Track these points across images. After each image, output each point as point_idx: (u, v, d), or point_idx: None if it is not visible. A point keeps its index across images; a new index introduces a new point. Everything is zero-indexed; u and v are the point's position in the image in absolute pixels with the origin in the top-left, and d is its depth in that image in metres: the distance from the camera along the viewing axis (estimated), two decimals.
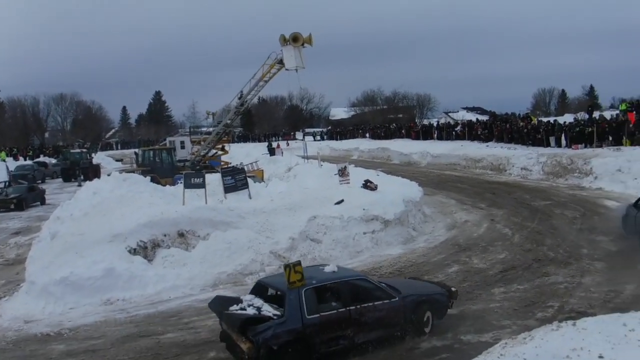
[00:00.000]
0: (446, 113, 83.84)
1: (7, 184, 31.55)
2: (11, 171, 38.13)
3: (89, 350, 9.68)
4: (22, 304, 12.14)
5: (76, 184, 37.16)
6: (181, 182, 16.27)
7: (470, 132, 40.84)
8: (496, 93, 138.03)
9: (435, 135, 46.64)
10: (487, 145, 36.06)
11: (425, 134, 48.54)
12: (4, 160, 46.41)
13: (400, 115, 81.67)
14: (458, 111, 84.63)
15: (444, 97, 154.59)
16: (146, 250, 13.37)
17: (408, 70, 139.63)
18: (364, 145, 53.59)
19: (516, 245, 15.01)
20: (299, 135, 76.57)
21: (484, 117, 53.94)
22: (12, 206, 27.15)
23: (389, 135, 56.01)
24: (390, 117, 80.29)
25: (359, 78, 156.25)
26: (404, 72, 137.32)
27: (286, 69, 29.04)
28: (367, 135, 62.06)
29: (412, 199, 17.86)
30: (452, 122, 54.78)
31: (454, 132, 43.77)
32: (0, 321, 11.51)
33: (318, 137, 71.89)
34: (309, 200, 15.92)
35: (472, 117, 61.82)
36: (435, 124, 51.71)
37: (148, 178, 17.04)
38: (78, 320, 11.18)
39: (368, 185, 17.81)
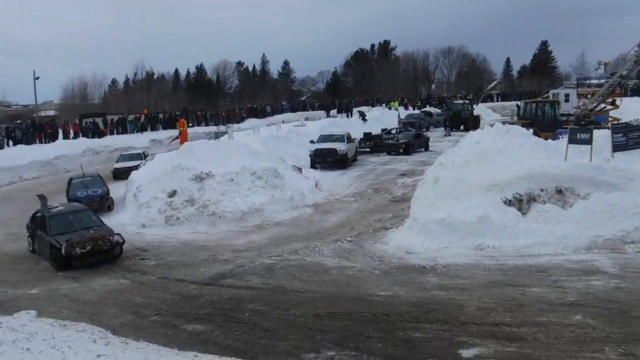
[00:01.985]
0: None
1: (398, 130, 35.42)
2: (402, 119, 42.65)
3: (457, 287, 10.46)
4: (405, 237, 13.89)
5: (444, 134, 39.55)
6: (563, 137, 15.57)
7: None
8: None
9: None
10: None
11: None
12: (396, 109, 52.01)
13: None
14: None
15: None
16: (521, 202, 13.44)
17: None
18: None
19: None
20: None
21: None
22: (401, 150, 30.60)
23: None
24: None
25: None
26: None
27: None
28: None
29: None
30: None
31: None
32: (387, 248, 13.52)
33: None
34: None
35: None
36: None
37: (530, 131, 16.76)
38: (450, 259, 12.18)
39: None
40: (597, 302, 9.30)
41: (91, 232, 13.93)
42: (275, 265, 12.60)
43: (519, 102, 40.10)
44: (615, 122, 24.67)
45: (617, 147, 14.08)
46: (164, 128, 43.42)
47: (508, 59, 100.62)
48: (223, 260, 13.34)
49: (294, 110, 64.34)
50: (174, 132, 35.06)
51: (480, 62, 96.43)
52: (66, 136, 36.96)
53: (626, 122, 19.21)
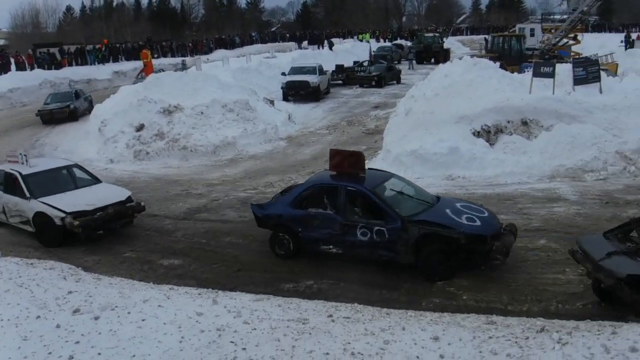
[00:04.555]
0: None
1: (369, 62, 35.16)
2: (373, 51, 42.23)
3: None
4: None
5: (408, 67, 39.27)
6: (529, 70, 15.86)
7: None
8: None
9: None
10: None
11: None
12: (367, 41, 51.40)
13: None
14: None
15: None
16: (489, 134, 13.85)
17: None
18: None
19: None
20: None
21: None
22: (373, 83, 30.52)
23: None
24: None
25: None
26: None
27: None
28: None
29: None
30: None
31: None
32: None
33: None
34: None
35: None
36: None
37: (497, 64, 17.02)
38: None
39: None
40: (559, 227, 9.86)
41: None
42: (251, 198, 12.65)
43: (487, 36, 40.37)
44: (577, 56, 25.18)
45: (577, 81, 14.51)
46: (127, 59, 41.63)
47: None
48: (197, 194, 13.38)
49: (263, 41, 62.87)
50: (140, 64, 33.88)
51: None
52: (19, 67, 34.27)
53: (586, 57, 19.66)
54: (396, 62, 41.41)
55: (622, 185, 12.16)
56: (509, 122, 13.98)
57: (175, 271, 9.10)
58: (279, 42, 62.17)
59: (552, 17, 38.35)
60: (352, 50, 43.38)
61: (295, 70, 27.41)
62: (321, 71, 27.59)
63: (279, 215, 9.33)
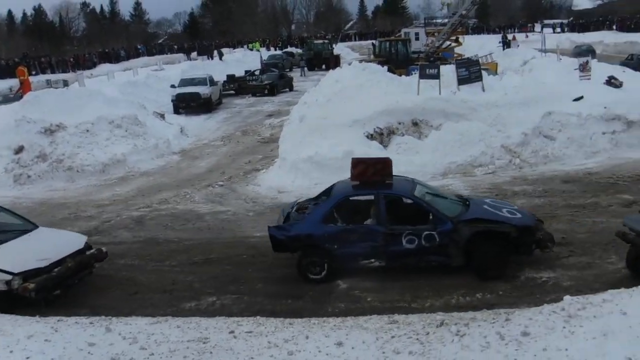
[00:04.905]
0: None
1: (261, 71, 35.12)
2: (264, 60, 42.25)
3: None
4: (276, 177, 14.11)
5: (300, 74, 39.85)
6: (415, 73, 16.47)
7: None
8: None
9: None
10: None
11: None
12: (258, 50, 51.40)
13: None
14: None
15: None
16: (382, 136, 14.17)
17: None
18: (608, 38, 47.66)
19: None
20: (537, 27, 70.20)
21: None
22: (266, 91, 30.52)
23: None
24: None
25: None
26: None
27: None
28: (614, 27, 54.76)
29: None
30: None
31: None
32: (260, 189, 13.66)
33: (558, 30, 65.25)
34: (545, 96, 15.01)
35: None
36: None
37: (385, 68, 17.54)
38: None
39: (612, 81, 16.01)
40: None
41: None
42: (145, 216, 12.17)
43: (374, 41, 41.65)
44: (459, 57, 26.57)
45: (461, 81, 15.29)
46: (2, 77, 39.18)
47: (362, 0, 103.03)
48: (87, 217, 12.56)
49: (151, 54, 61.11)
50: (16, 82, 31.55)
51: (336, 3, 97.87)
52: None
53: (468, 58, 20.81)
54: (288, 69, 41.74)
55: (509, 177, 12.94)
56: (400, 123, 14.39)
57: (65, 299, 8.25)
58: (167, 54, 60.65)
59: (434, 21, 40.54)
60: (243, 60, 43.24)
61: (185, 82, 26.76)
62: (212, 82, 27.21)
63: (308, 235, 8.38)
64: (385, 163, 8.89)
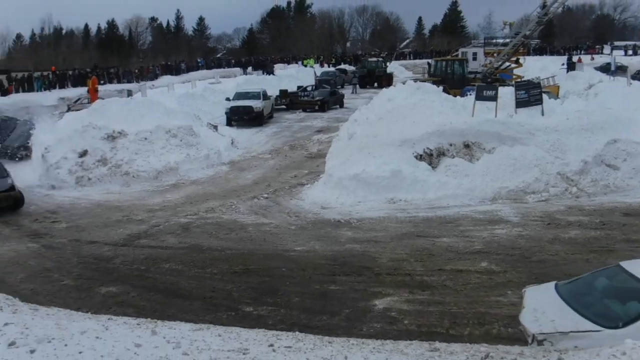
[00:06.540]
0: None
1: (313, 87, 35.38)
2: (317, 76, 42.61)
3: (371, 240, 10.85)
4: (320, 192, 14.12)
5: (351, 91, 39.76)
6: (471, 94, 16.21)
7: None
8: None
9: None
10: None
11: None
12: (312, 67, 51.88)
13: None
14: None
15: None
16: (431, 157, 13.96)
17: None
18: None
19: None
20: (606, 49, 67.20)
21: None
22: (317, 107, 30.75)
23: None
24: None
25: None
26: None
27: None
28: None
29: None
30: None
31: None
32: (303, 204, 13.71)
33: (630, 52, 60.10)
34: (611, 122, 14.34)
35: None
36: None
37: (440, 88, 17.33)
38: (364, 213, 12.54)
39: None
40: (500, 249, 9.95)
41: None
42: (192, 224, 12.42)
43: (429, 60, 41.31)
44: (519, 79, 25.94)
45: (519, 104, 14.83)
46: (74, 86, 41.03)
47: (420, 18, 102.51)
48: (137, 220, 12.97)
49: (209, 67, 62.46)
50: (84, 91, 33.09)
51: (393, 21, 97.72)
52: None
53: (528, 80, 20.26)
54: (340, 86, 41.84)
55: (563, 206, 12.40)
56: (451, 145, 14.13)
57: (114, 299, 8.73)
58: (224, 67, 61.90)
59: (494, 41, 39.48)
60: (296, 75, 43.62)
61: (239, 96, 27.27)
62: (265, 96, 27.56)
63: None
64: None
